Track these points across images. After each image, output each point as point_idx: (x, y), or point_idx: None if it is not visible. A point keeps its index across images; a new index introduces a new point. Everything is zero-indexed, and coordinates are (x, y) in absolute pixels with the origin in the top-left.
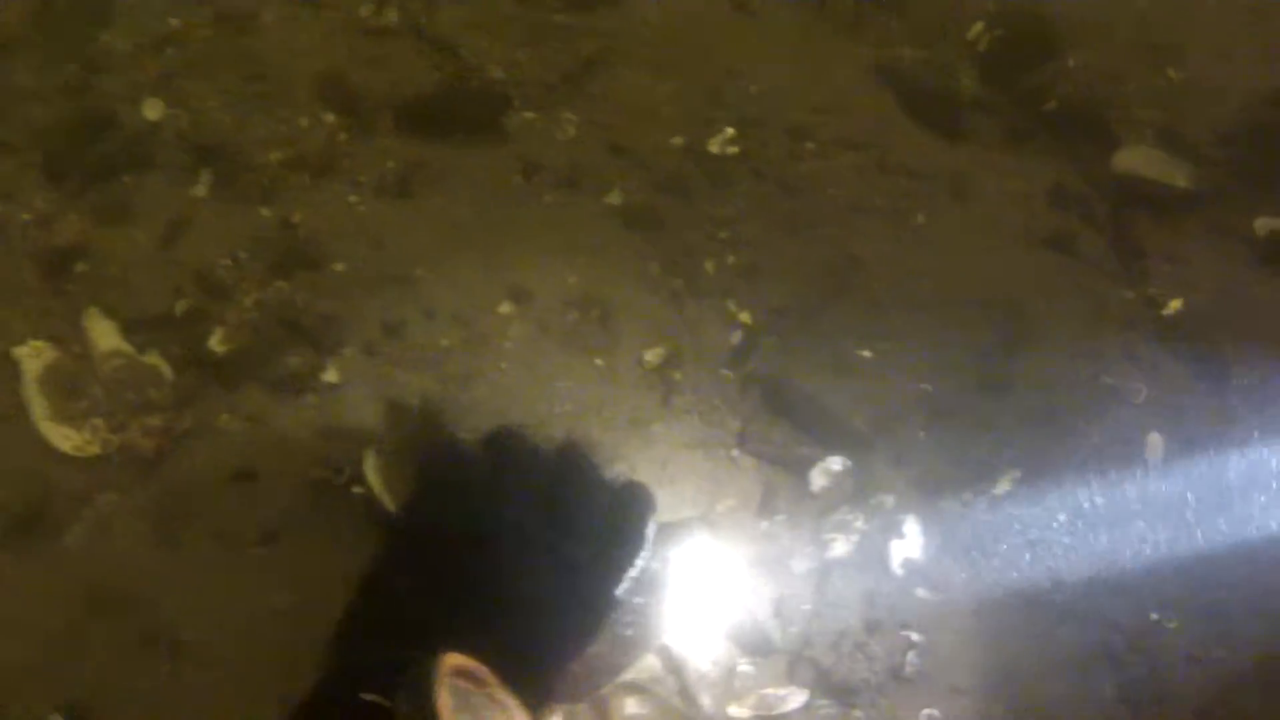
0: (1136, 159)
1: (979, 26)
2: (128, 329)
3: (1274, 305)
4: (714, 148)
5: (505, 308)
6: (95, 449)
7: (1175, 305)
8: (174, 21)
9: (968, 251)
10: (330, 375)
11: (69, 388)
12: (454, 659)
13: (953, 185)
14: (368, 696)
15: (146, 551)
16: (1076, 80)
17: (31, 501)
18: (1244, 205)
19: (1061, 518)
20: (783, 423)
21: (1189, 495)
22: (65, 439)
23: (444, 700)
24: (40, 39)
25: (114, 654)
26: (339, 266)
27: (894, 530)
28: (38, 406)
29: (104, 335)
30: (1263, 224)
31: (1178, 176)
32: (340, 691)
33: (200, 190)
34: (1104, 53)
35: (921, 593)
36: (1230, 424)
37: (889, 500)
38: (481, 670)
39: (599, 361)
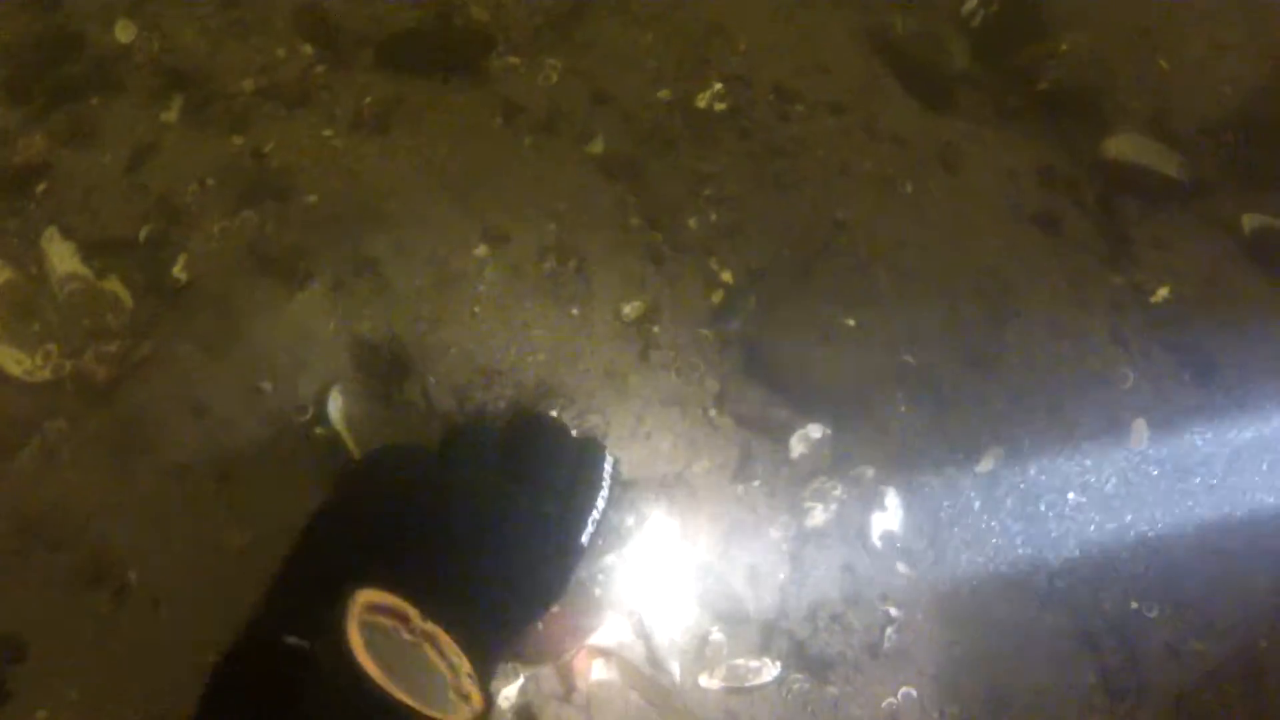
0: (1126, 145)
1: (973, 2)
2: (87, 252)
3: (1259, 300)
4: (701, 103)
5: (480, 250)
6: (46, 374)
7: (1163, 293)
8: None
9: (955, 223)
10: (297, 309)
11: (22, 309)
12: (368, 595)
13: (941, 156)
14: (291, 640)
15: (96, 482)
16: (1069, 63)
17: None
18: (1232, 198)
19: (1045, 499)
20: (762, 386)
21: (1173, 483)
22: (16, 362)
23: (355, 637)
24: None
25: (55, 588)
26: (311, 199)
27: (874, 502)
28: None
29: (62, 257)
30: (1250, 219)
31: (1167, 165)
32: (269, 634)
33: (170, 115)
34: (1097, 38)
35: (901, 567)
36: (1214, 414)
37: (869, 472)
38: (401, 605)
39: (574, 311)
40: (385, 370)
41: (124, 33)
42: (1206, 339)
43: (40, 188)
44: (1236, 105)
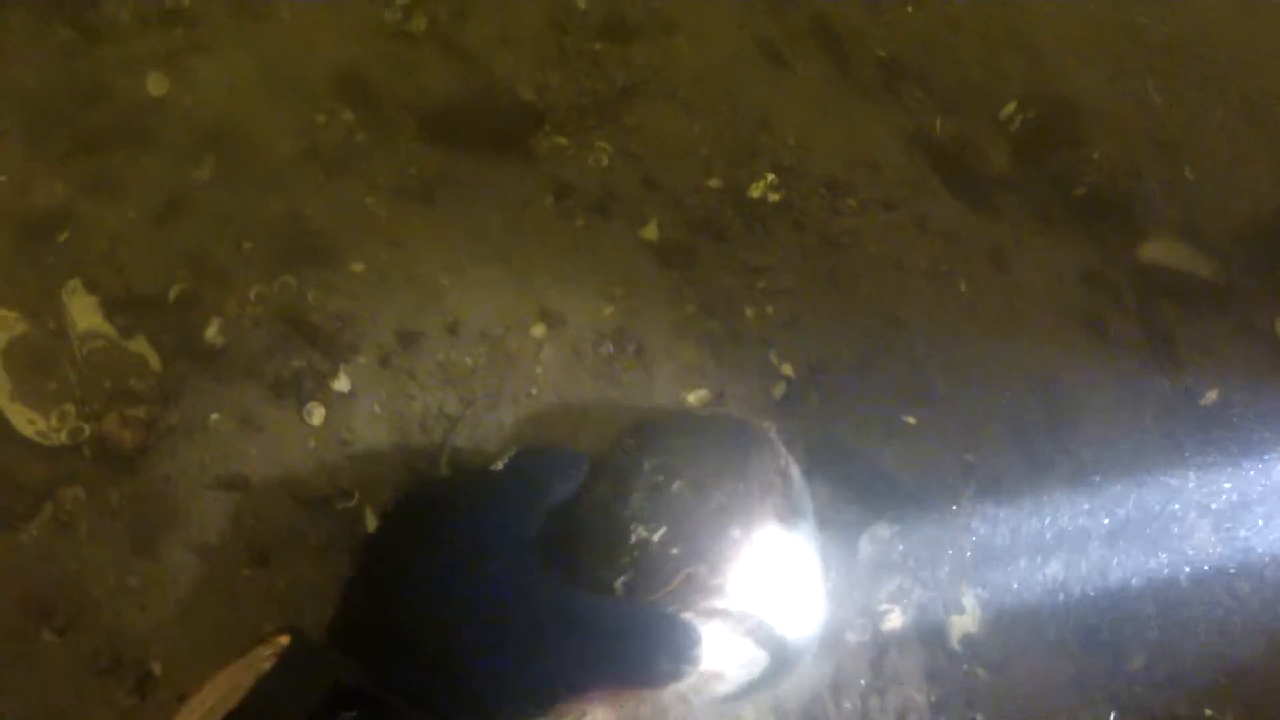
0: (1161, 250)
1: (1011, 107)
2: (111, 309)
3: None
4: (753, 193)
5: (537, 330)
6: (63, 437)
7: (1212, 396)
8: (184, 0)
9: (1007, 322)
10: (340, 383)
11: (38, 365)
12: None
13: (991, 255)
14: None
15: (115, 560)
16: (1101, 170)
17: None
18: (1264, 303)
19: (1116, 603)
20: (827, 483)
21: (1237, 584)
22: (29, 422)
23: None
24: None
25: (66, 675)
26: (356, 266)
27: (952, 604)
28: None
29: (84, 312)
30: None
31: (1201, 269)
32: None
33: (203, 173)
34: (1125, 147)
35: (982, 673)
36: (1273, 517)
37: (943, 572)
38: None
39: (637, 397)
40: (436, 454)
41: (156, 86)
42: (1258, 440)
43: (61, 237)
44: (1260, 214)
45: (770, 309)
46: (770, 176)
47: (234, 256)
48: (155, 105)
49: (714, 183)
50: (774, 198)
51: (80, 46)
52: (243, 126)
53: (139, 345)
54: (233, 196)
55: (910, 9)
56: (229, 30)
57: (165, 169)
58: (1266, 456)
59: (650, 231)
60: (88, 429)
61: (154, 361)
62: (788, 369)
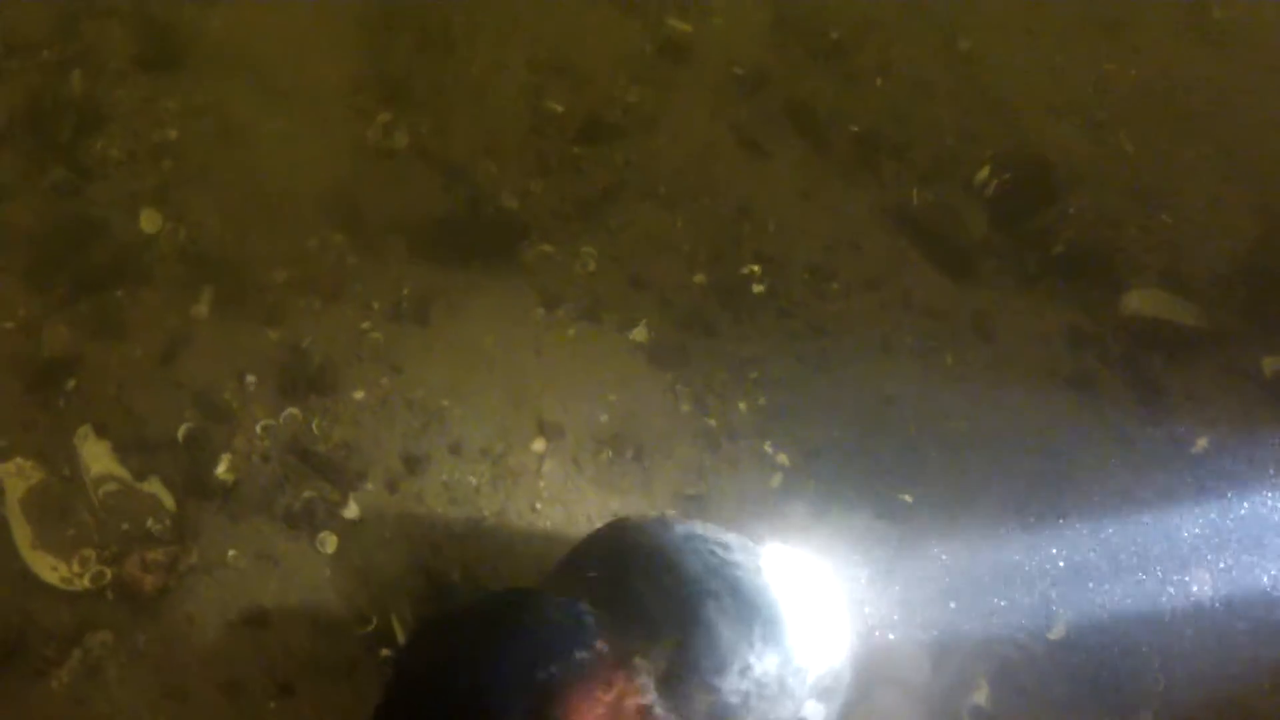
0: (1143, 300)
1: (985, 171)
2: (123, 452)
3: None
4: (737, 285)
5: (537, 444)
6: (85, 582)
7: (1203, 444)
8: (172, 133)
9: (995, 392)
10: (350, 511)
11: (56, 513)
12: None
13: (975, 325)
14: None
15: (146, 701)
16: (1079, 224)
17: (10, 637)
18: (1250, 344)
19: (1120, 656)
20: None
21: (1237, 626)
22: (52, 569)
23: None
24: (27, 140)
25: None
26: (357, 394)
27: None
28: (21, 532)
29: (96, 457)
30: (1270, 363)
31: (1184, 316)
32: None
33: (202, 308)
34: (1101, 197)
35: None
36: (1273, 560)
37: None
38: None
39: (639, 501)
40: (450, 575)
41: (149, 222)
42: (1251, 484)
43: (70, 384)
44: (1241, 255)
45: (763, 400)
46: (753, 267)
47: (238, 392)
48: (150, 241)
49: (699, 278)
50: (759, 289)
51: (73, 185)
52: (237, 257)
53: (153, 487)
54: (232, 330)
55: (880, 80)
56: (216, 160)
57: (165, 306)
58: (1259, 500)
59: (640, 333)
60: (109, 573)
61: (168, 502)
62: (783, 459)
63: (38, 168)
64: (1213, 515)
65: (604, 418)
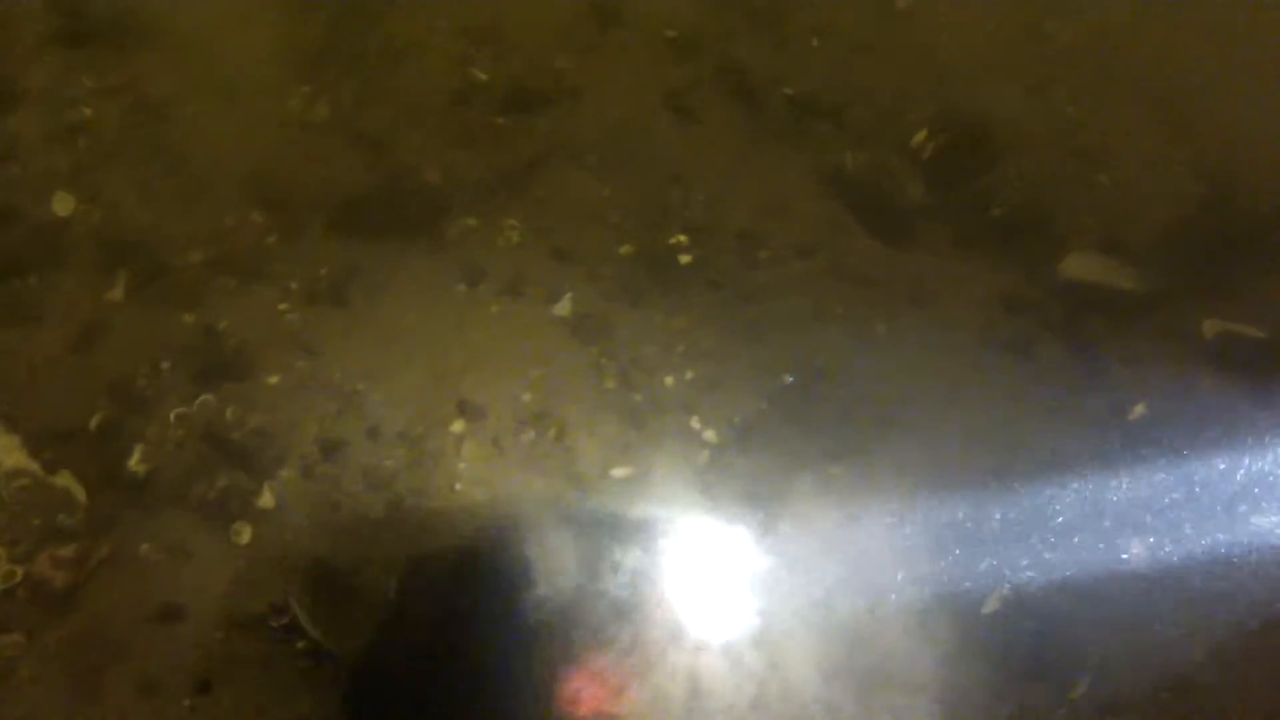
0: (1082, 264)
1: (922, 134)
2: (35, 444)
3: (1230, 407)
4: (665, 256)
5: (457, 425)
6: None
7: (1139, 409)
8: (87, 111)
9: (930, 360)
10: (265, 500)
11: None
12: None
13: (909, 293)
14: None
15: (60, 703)
16: (1017, 187)
17: None
18: (1190, 306)
19: (1055, 628)
20: (757, 552)
21: (1169, 598)
22: None
23: None
24: None
25: None
26: (272, 379)
27: None
28: None
29: (7, 451)
30: (1210, 325)
31: (1123, 279)
32: None
33: (116, 292)
34: (1040, 159)
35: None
36: (1207, 528)
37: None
38: None
39: (561, 482)
40: (362, 561)
41: (62, 205)
42: (1187, 450)
43: None
44: (1181, 217)
45: (690, 374)
46: (681, 237)
47: (152, 379)
48: (64, 224)
49: (626, 249)
50: (687, 259)
51: None
52: (153, 239)
53: (64, 480)
54: (148, 315)
55: (816, 41)
56: (132, 138)
57: (79, 290)
58: (1194, 468)
59: (565, 307)
60: (19, 572)
61: (80, 495)
62: (711, 435)
63: None
64: (1148, 483)
65: (526, 396)
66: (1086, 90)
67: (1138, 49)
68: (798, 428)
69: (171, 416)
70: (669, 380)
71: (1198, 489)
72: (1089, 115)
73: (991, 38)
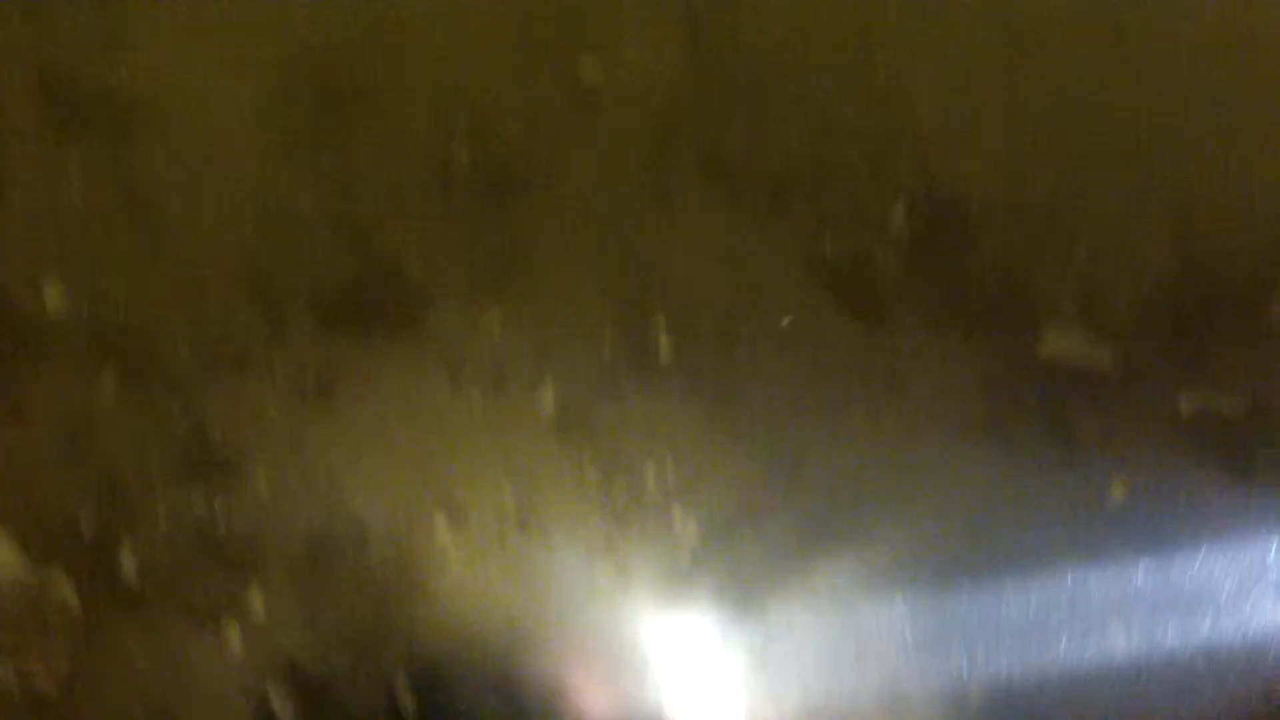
0: (1060, 341)
1: (899, 214)
2: (24, 542)
3: (1209, 486)
4: (645, 346)
5: (441, 525)
6: None
7: (1119, 492)
8: (75, 198)
9: (908, 449)
10: (254, 601)
11: None
12: None
13: (886, 379)
14: None
15: None
16: (995, 264)
17: None
18: (1167, 381)
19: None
20: (744, 651)
21: (1157, 688)
22: None
23: None
24: None
25: None
26: (260, 476)
27: None
28: None
29: None
30: (1187, 400)
31: (1101, 356)
32: None
33: (106, 385)
34: (1018, 235)
35: None
36: (1189, 615)
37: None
38: None
39: (544, 583)
40: (351, 665)
41: (51, 295)
42: (1167, 534)
43: None
44: (1158, 290)
45: (671, 467)
46: (662, 326)
47: (142, 477)
48: (51, 314)
49: (607, 340)
50: (667, 350)
51: None
52: (141, 330)
53: (53, 579)
54: (137, 409)
55: (794, 120)
56: (120, 225)
57: (68, 383)
58: (1174, 553)
59: (546, 401)
60: (10, 677)
61: (70, 596)
62: (693, 529)
63: None
64: (1129, 569)
65: (509, 494)
66: (1061, 158)
67: (1115, 114)
68: (778, 519)
69: (161, 514)
70: (650, 474)
71: (1181, 573)
72: (1065, 185)
73: (967, 104)
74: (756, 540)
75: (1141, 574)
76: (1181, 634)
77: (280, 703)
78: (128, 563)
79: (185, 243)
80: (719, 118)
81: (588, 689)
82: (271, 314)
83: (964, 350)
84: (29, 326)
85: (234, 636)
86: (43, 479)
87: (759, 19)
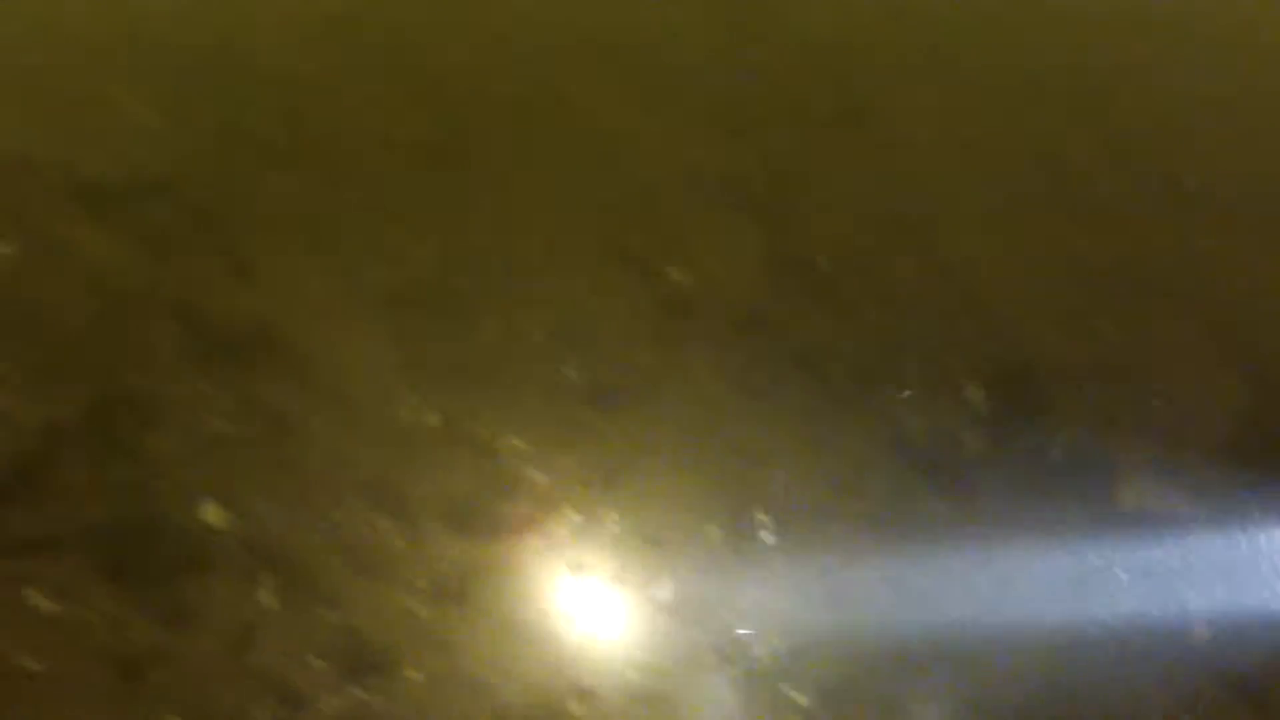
0: (1141, 492)
1: (975, 386)
2: None
3: None
4: (748, 535)
5: (575, 709)
6: None
7: (1203, 634)
8: (222, 425)
9: (999, 615)
10: None
11: None
12: None
13: (978, 548)
14: None
15: None
16: (1072, 425)
17: None
18: (1248, 519)
19: None
20: None
21: None
22: None
23: None
24: (91, 438)
25: None
26: (412, 674)
27: None
28: None
29: None
30: (1267, 538)
31: (1182, 501)
32: None
33: (264, 595)
34: (1091, 391)
35: None
36: None
37: None
38: None
39: None
40: None
41: (208, 513)
42: (1255, 668)
43: (153, 676)
44: (1234, 428)
45: (778, 642)
46: (763, 515)
47: (305, 675)
48: (211, 532)
49: (713, 532)
50: (768, 536)
51: (135, 481)
52: (293, 544)
53: None
54: (296, 615)
55: (870, 305)
56: (267, 451)
57: (232, 594)
58: (1261, 687)
59: (661, 589)
60: None
61: None
62: (802, 700)
63: (102, 465)
64: (1216, 703)
65: (632, 675)
66: (1127, 312)
67: (1176, 263)
68: (881, 691)
69: (328, 711)
70: (760, 651)
71: (1269, 705)
72: (1131, 338)
73: (1027, 270)
74: (862, 711)
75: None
76: None
77: None
78: None
79: (325, 464)
80: (800, 313)
81: None
82: (407, 524)
83: (1050, 512)
84: (191, 542)
85: None
86: (219, 684)
87: (829, 214)
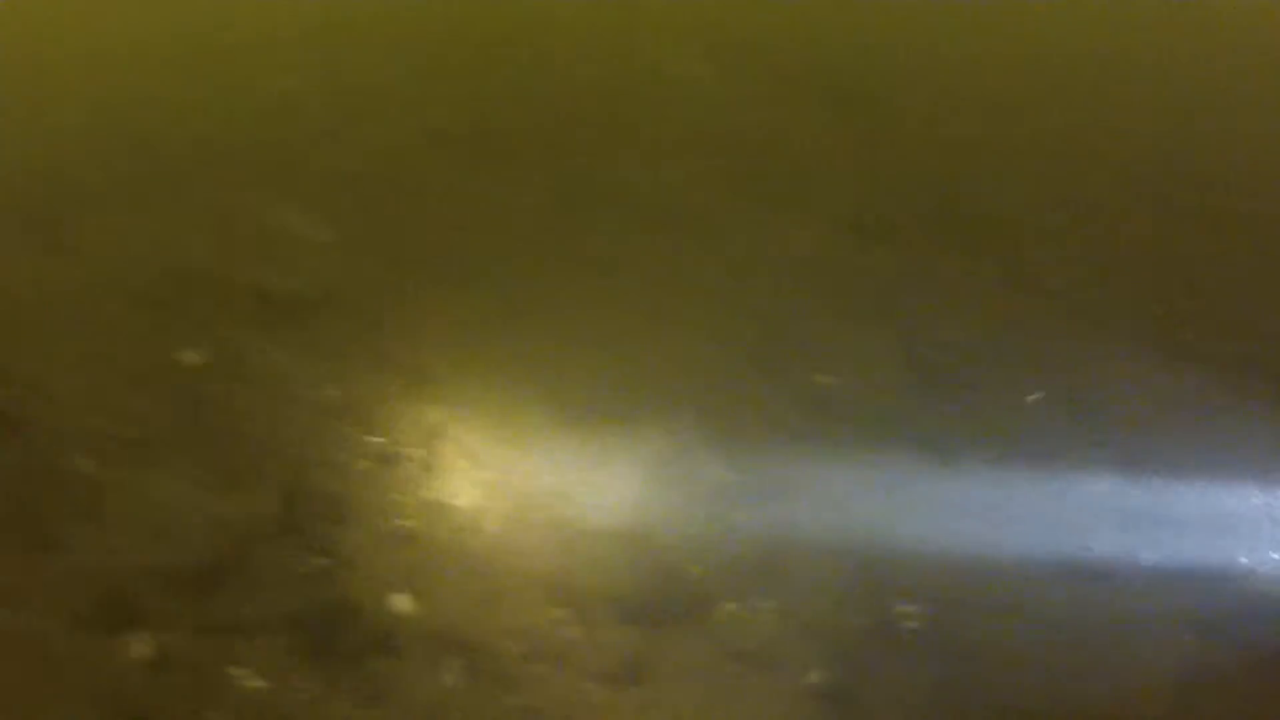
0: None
1: (1101, 476)
2: None
3: None
4: (892, 623)
5: None
6: None
7: None
8: (407, 523)
9: (1136, 691)
10: None
11: None
12: None
13: (1104, 632)
14: None
15: None
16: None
17: None
18: None
19: None
20: None
21: None
22: None
23: None
24: (285, 533)
25: None
26: None
27: None
28: None
29: None
30: None
31: None
32: None
33: (449, 679)
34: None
35: None
36: None
37: None
38: None
39: None
40: None
41: (398, 602)
42: None
43: None
44: None
45: None
46: (908, 607)
47: None
48: (399, 620)
49: (860, 621)
50: (910, 625)
51: (328, 572)
52: (475, 633)
53: None
54: (479, 699)
55: (1004, 413)
56: (448, 545)
57: (419, 678)
58: None
59: (814, 676)
60: None
61: None
62: None
63: (295, 558)
64: None
65: None
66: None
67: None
68: None
69: None
70: None
71: None
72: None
73: None
74: None
75: None
76: None
77: None
78: None
79: (504, 561)
80: (935, 412)
81: None
82: (578, 614)
83: (1175, 592)
84: (381, 628)
85: None
86: None
87: (960, 323)
